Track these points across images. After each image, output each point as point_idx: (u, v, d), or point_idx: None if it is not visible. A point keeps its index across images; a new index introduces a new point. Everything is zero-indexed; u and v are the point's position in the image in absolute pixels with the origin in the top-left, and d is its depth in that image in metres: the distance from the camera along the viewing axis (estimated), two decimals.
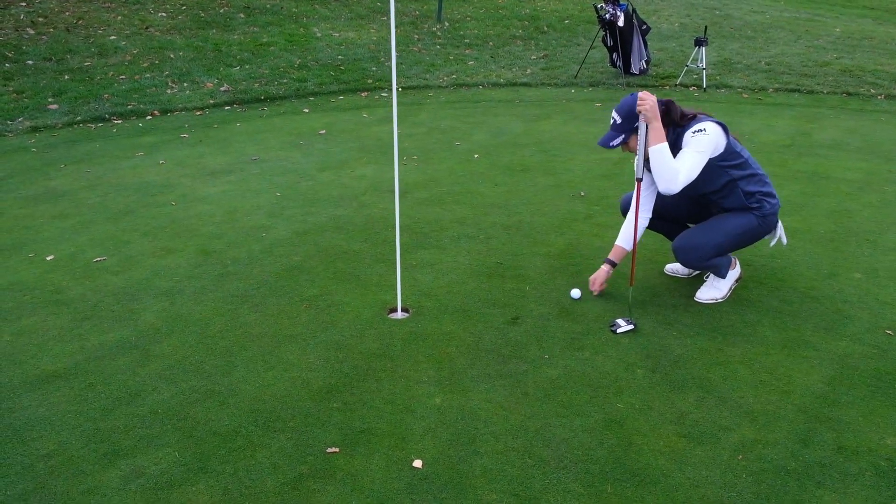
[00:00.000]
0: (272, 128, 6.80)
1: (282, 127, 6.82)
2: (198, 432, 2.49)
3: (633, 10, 8.38)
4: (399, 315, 3.32)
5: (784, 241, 3.44)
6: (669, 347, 3.01)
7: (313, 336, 3.13)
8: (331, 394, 2.72)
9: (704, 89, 8.27)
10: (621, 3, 8.24)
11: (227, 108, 7.52)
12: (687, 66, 8.54)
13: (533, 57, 10.07)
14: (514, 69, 9.35)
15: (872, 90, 8.23)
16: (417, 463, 2.33)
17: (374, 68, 9.03)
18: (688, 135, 3.04)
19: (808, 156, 5.80)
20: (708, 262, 3.27)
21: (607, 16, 8.28)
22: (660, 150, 2.96)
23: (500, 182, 5.21)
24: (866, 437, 2.45)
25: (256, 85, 8.13)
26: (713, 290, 3.42)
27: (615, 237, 3.45)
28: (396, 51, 9.77)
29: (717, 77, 8.85)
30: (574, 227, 4.35)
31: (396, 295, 3.35)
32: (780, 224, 3.37)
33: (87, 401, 2.68)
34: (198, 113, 7.28)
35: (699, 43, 8.26)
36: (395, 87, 3.05)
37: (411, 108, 7.60)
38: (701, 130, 3.01)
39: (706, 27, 9.00)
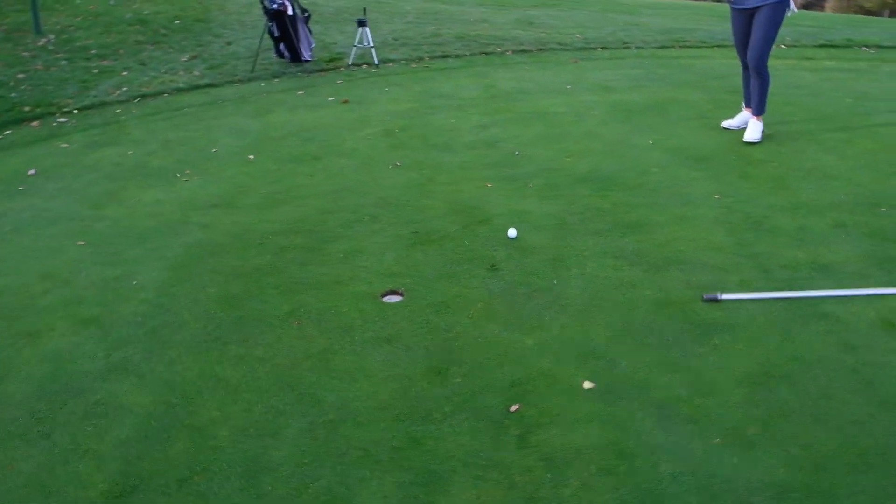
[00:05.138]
0: None
1: None
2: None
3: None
4: (395, 298, 3.26)
5: (795, 9, 4.61)
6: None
7: (353, 341, 2.91)
8: (441, 374, 2.66)
9: (377, 65, 9.01)
10: None
11: None
12: (354, 46, 9.13)
13: (183, 59, 9.42)
14: (179, 73, 8.68)
15: (498, 48, 10.04)
16: (587, 384, 2.55)
17: (13, 94, 7.40)
18: None
19: (517, 101, 6.95)
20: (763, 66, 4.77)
21: (275, 6, 8.31)
22: None
23: (311, 172, 5.11)
24: None
25: None
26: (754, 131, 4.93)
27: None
28: (18, 72, 8.16)
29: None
30: (431, 188, 4.62)
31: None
32: None
33: None
34: None
35: (361, 24, 8.91)
36: None
37: (112, 127, 6.58)
38: None
39: (365, 9, 9.66)
